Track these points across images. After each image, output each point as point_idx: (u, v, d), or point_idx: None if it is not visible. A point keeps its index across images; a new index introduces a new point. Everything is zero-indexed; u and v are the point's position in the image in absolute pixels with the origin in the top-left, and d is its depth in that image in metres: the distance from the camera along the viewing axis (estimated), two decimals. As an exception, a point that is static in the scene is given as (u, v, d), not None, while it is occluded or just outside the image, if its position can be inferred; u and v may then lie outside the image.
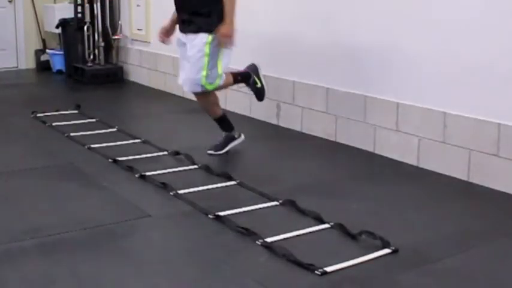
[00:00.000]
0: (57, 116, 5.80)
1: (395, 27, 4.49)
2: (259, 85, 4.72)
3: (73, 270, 2.83)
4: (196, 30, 4.34)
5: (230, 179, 4.02)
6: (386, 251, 3.01)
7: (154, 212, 3.51)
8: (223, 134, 4.69)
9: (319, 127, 5.14)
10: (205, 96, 4.54)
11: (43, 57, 8.59)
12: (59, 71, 8.34)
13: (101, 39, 7.86)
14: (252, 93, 4.81)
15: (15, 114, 5.90)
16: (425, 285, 2.75)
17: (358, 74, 4.80)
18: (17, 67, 8.67)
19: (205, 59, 4.31)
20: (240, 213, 3.47)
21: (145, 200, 3.71)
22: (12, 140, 5.06)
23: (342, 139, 4.95)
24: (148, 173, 4.08)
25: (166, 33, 4.67)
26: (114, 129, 5.32)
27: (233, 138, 4.70)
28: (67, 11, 8.06)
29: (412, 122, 4.40)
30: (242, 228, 3.21)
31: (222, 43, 4.32)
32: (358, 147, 4.80)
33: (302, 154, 4.75)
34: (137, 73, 7.74)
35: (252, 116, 5.79)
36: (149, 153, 4.63)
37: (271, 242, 3.07)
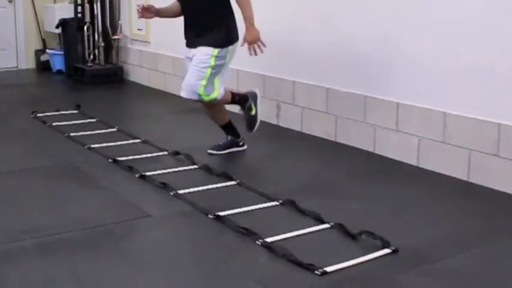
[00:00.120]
0: (57, 116, 5.79)
1: (395, 27, 4.49)
2: (253, 112, 4.64)
3: (73, 270, 2.83)
4: (205, 44, 4.29)
5: (230, 179, 4.02)
6: (386, 251, 3.00)
7: (154, 212, 3.51)
8: (229, 137, 4.68)
9: (319, 127, 5.13)
10: (212, 104, 4.51)
11: (43, 57, 8.58)
12: (59, 71, 8.33)
13: (101, 39, 7.86)
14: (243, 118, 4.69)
15: (15, 114, 5.90)
16: (425, 285, 2.75)
17: (358, 74, 4.80)
18: (17, 67, 8.67)
19: (209, 70, 4.27)
20: (240, 213, 3.47)
21: (145, 200, 3.71)
22: (12, 140, 5.05)
23: (341, 139, 4.94)
24: (148, 173, 4.08)
25: (148, 12, 4.43)
26: (114, 129, 5.32)
27: (237, 144, 4.69)
28: (67, 11, 8.06)
29: (412, 122, 4.40)
30: (242, 228, 3.20)
31: (252, 49, 4.22)
32: (358, 147, 4.80)
33: (302, 154, 4.75)
34: (137, 73, 7.73)
35: (252, 116, 5.78)
36: (149, 153, 4.63)
37: (271, 242, 3.07)
